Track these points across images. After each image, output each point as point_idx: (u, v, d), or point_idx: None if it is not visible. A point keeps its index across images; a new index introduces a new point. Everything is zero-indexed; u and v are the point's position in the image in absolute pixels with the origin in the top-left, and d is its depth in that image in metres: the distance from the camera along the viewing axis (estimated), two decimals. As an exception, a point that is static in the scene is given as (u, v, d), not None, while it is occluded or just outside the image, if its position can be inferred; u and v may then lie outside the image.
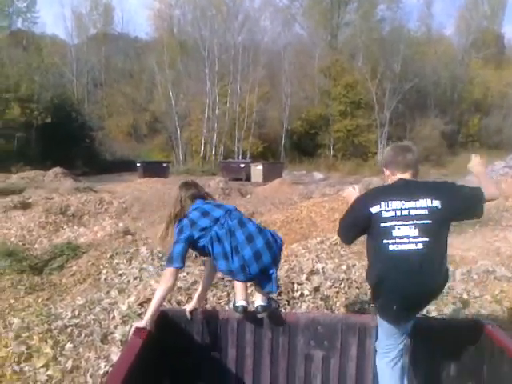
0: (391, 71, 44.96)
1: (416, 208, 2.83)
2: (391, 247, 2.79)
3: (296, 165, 39.63)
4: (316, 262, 5.75)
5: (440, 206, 2.82)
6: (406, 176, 3.02)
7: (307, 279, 5.06)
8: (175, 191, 3.66)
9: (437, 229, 2.82)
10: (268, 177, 26.00)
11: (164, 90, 42.28)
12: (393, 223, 2.82)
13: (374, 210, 2.88)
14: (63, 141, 33.82)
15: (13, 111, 33.98)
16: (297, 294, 4.93)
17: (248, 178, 27.96)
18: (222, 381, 3.38)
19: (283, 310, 4.30)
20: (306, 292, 4.81)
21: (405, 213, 2.82)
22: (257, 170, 27.84)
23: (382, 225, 2.84)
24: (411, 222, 2.79)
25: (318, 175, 32.96)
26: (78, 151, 35.28)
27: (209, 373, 3.36)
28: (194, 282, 4.84)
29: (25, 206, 11.63)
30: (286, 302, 4.77)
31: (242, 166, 29.25)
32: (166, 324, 3.27)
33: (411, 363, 3.31)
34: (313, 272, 5.24)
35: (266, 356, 3.38)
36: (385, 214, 2.85)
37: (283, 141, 43.23)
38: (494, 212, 12.26)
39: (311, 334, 3.35)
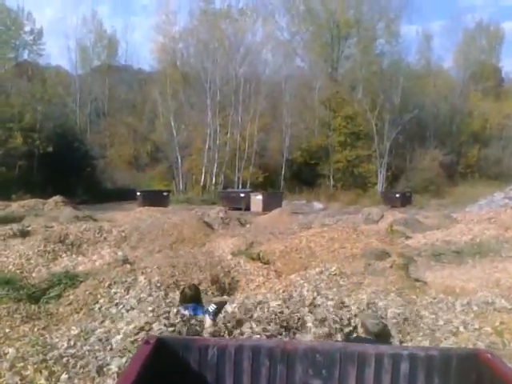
0: (391, 103, 45.57)
1: None
2: None
3: (296, 194, 39.71)
4: (316, 294, 5.75)
5: None
6: None
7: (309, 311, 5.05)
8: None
9: None
10: (268, 206, 26.02)
11: (166, 120, 42.80)
12: None
13: None
14: (65, 169, 34.05)
15: (15, 140, 34.35)
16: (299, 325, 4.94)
17: (248, 208, 27.96)
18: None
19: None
20: (309, 324, 4.80)
21: None
22: (256, 199, 27.89)
23: None
24: None
25: (317, 205, 33.00)
26: (79, 179, 35.43)
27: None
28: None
29: (24, 234, 11.63)
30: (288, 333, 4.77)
31: (242, 195, 29.30)
32: (163, 352, 3.23)
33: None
34: (314, 305, 5.23)
35: (263, 385, 3.33)
36: None
37: (283, 170, 43.45)
38: (494, 243, 12.26)
39: (309, 363, 3.30)
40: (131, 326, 4.40)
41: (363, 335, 4.24)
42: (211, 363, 3.33)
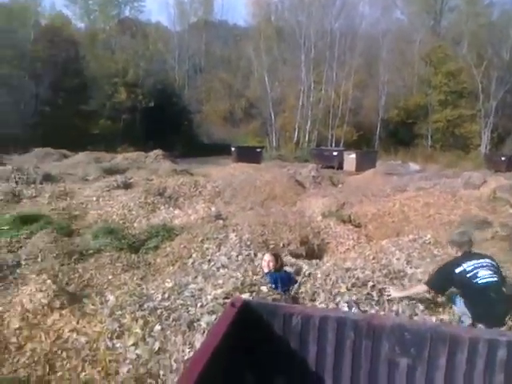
0: (499, 58, 41.67)
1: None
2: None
3: (391, 154, 38.30)
4: (408, 264, 5.55)
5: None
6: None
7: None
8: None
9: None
10: (361, 166, 25.38)
11: (260, 76, 42.65)
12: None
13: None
14: (164, 123, 35.47)
15: (120, 95, 36.22)
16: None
17: (340, 167, 27.44)
18: (301, 377, 3.34)
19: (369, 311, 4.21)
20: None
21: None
22: (350, 158, 27.27)
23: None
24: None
25: (413, 166, 31.61)
26: (177, 133, 36.83)
27: (288, 368, 3.34)
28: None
29: (127, 186, 12.35)
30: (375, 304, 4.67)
31: (335, 153, 28.76)
32: (249, 315, 3.29)
33: (507, 380, 3.07)
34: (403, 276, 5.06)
35: (347, 357, 3.28)
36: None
37: (378, 130, 41.96)
38: None
39: (397, 340, 3.19)
40: (219, 291, 4.53)
41: None
42: (295, 331, 3.34)
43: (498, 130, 43.05)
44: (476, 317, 4.37)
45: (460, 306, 4.69)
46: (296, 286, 5.16)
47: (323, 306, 4.67)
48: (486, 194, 13.91)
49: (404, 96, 43.78)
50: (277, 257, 5.47)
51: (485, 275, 4.40)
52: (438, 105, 42.68)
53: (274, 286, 5.05)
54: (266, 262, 5.44)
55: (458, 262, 4.66)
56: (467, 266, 4.52)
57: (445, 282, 4.62)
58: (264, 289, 4.66)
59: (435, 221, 10.20)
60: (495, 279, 4.45)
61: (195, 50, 51.23)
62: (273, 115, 41.12)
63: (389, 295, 4.82)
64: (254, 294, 4.62)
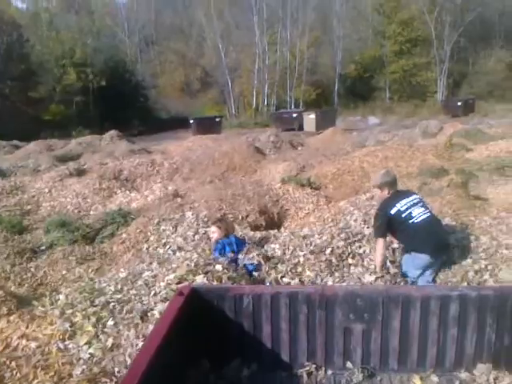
0: (451, 2, 41.72)
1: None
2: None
3: (351, 110, 38.41)
4: (365, 224, 5.52)
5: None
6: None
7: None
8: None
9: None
10: (321, 125, 25.36)
11: (213, 42, 41.70)
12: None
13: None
14: (119, 102, 34.46)
15: (69, 77, 34.75)
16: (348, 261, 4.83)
17: (301, 128, 27.36)
18: (257, 357, 3.29)
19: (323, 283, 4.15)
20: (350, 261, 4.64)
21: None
22: (309, 118, 27.16)
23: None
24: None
25: (373, 120, 31.83)
26: (133, 111, 35.85)
27: (244, 349, 3.28)
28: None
29: (80, 172, 11.95)
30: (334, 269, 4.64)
31: (295, 115, 28.59)
32: (198, 301, 3.19)
33: (461, 333, 3.09)
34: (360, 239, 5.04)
35: (302, 331, 3.24)
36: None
37: (336, 86, 41.89)
38: None
39: (350, 308, 3.17)
40: (172, 276, 4.39)
41: None
42: (247, 311, 3.27)
43: (454, 76, 43.52)
44: (422, 250, 4.43)
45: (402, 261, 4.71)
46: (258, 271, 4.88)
47: (286, 279, 4.61)
48: (443, 142, 14.07)
49: (359, 50, 43.68)
50: (219, 225, 5.26)
51: (419, 213, 4.51)
52: (393, 55, 42.77)
53: (217, 253, 4.95)
54: (211, 234, 5.36)
55: (390, 203, 4.64)
56: (400, 206, 4.54)
57: (384, 226, 4.58)
58: (219, 267, 4.53)
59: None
60: (428, 214, 4.59)
61: (145, 21, 49.48)
62: (229, 82, 40.47)
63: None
64: (209, 274, 4.48)
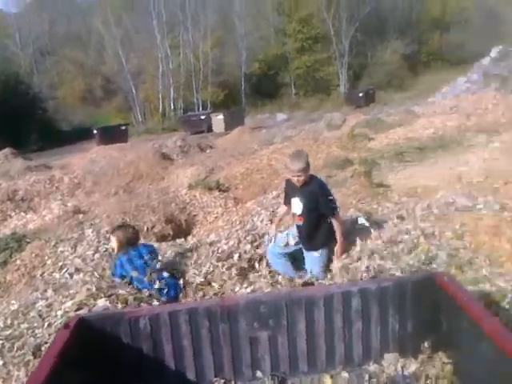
0: (347, -2, 43.55)
1: None
2: None
3: (259, 108, 38.86)
4: (271, 224, 5.42)
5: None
6: None
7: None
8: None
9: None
10: (230, 125, 25.37)
11: (113, 49, 40.37)
12: None
13: None
14: (13, 117, 32.17)
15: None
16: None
17: (210, 129, 27.22)
18: (160, 379, 3.06)
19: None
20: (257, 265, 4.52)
21: None
22: (218, 119, 27.11)
23: None
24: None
25: (281, 116, 32.37)
26: (31, 125, 33.60)
27: (145, 374, 3.03)
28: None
29: (-31, 197, 10.91)
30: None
31: (203, 117, 28.40)
32: (88, 332, 2.90)
33: (366, 327, 3.06)
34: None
35: (206, 346, 3.06)
36: None
37: (243, 85, 42.16)
38: (456, 133, 12.06)
39: (254, 316, 3.03)
40: (70, 303, 4.01)
41: None
42: (144, 334, 3.01)
43: (354, 68, 45.45)
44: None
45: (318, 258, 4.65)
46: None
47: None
48: (346, 133, 14.49)
49: (263, 48, 44.30)
50: (118, 234, 4.61)
51: None
52: (295, 52, 43.89)
53: (118, 273, 4.44)
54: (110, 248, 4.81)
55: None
56: None
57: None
58: (122, 291, 4.22)
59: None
60: None
61: (39, 32, 46.81)
62: (133, 88, 39.39)
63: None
64: (113, 297, 4.15)
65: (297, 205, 4.37)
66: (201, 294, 4.37)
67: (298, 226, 4.48)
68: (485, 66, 32.17)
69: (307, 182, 4.28)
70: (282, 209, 4.84)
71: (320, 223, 4.38)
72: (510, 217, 4.92)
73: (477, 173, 7.32)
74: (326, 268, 4.48)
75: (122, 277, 4.40)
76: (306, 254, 4.52)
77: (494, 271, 3.85)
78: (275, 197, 7.00)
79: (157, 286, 4.22)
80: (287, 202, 4.61)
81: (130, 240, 4.59)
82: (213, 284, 4.52)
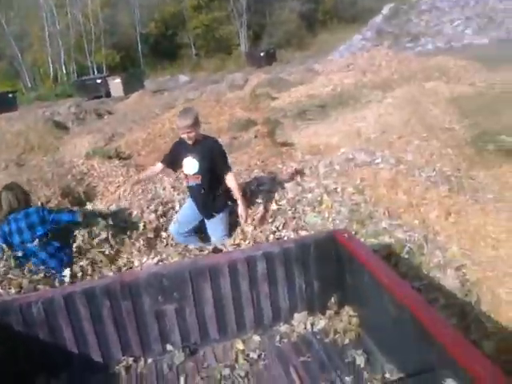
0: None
1: None
2: None
3: (159, 71, 37.56)
4: (175, 191, 5.27)
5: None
6: None
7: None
8: None
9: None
10: (129, 89, 24.31)
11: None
12: None
13: None
14: None
15: None
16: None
17: (109, 94, 25.88)
18: (65, 366, 2.87)
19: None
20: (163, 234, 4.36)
21: None
22: (115, 83, 25.81)
23: None
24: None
25: (183, 78, 31.54)
26: None
27: (47, 363, 2.82)
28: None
29: None
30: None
31: (99, 81, 26.84)
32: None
33: (273, 289, 3.06)
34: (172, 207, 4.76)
35: (109, 326, 2.90)
36: None
37: (140, 47, 40.35)
38: (353, 90, 12.43)
39: (157, 290, 2.91)
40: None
41: None
42: (39, 320, 2.77)
43: (253, 27, 45.11)
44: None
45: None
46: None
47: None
48: (249, 93, 14.42)
49: (158, 7, 42.43)
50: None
51: None
52: (192, 11, 42.53)
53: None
54: None
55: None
56: None
57: None
58: (13, 275, 3.86)
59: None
60: None
61: None
62: (18, 52, 36.17)
63: None
64: (5, 282, 3.79)
65: (190, 164, 4.19)
66: (106, 269, 4.15)
67: (191, 188, 4.32)
68: (378, 23, 33.41)
69: (200, 141, 4.16)
70: (156, 166, 4.63)
71: (217, 184, 4.27)
72: (405, 169, 5.16)
73: (373, 128, 7.61)
74: (229, 232, 4.44)
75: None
76: (206, 222, 4.42)
77: (393, 223, 4.01)
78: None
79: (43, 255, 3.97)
80: (167, 162, 4.46)
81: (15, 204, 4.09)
82: (121, 256, 4.32)
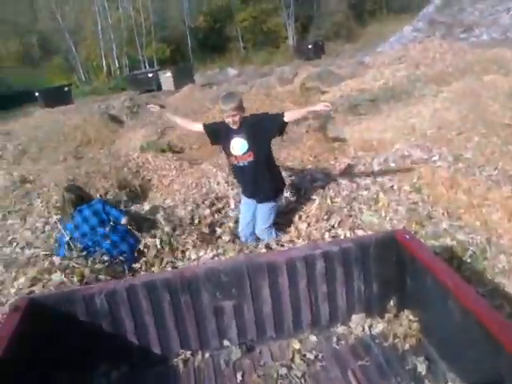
0: None
1: None
2: None
3: (208, 64, 37.83)
4: (229, 186, 5.30)
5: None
6: None
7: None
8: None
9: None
10: (179, 83, 24.52)
11: (45, 4, 37.74)
12: None
13: None
14: None
15: None
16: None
17: (160, 88, 26.30)
18: (125, 357, 2.96)
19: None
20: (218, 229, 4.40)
21: None
22: (166, 77, 26.14)
23: None
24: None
25: (231, 71, 31.63)
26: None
27: (108, 352, 2.92)
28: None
29: None
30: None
31: (150, 75, 27.27)
32: (40, 312, 2.73)
33: (331, 289, 3.03)
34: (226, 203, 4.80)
35: (169, 319, 2.97)
36: None
37: (189, 40, 40.77)
38: (406, 83, 12.12)
39: (215, 285, 2.95)
40: (23, 279, 3.79)
41: None
42: (102, 312, 2.86)
43: (301, 19, 44.70)
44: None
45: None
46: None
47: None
48: (299, 87, 14.32)
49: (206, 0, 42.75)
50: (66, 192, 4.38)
51: None
52: (240, 3, 42.57)
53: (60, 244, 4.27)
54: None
55: None
56: None
57: None
58: (77, 263, 4.01)
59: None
60: None
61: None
62: (73, 46, 37.33)
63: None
64: (68, 270, 3.95)
65: (239, 143, 4.00)
66: (165, 261, 4.24)
67: (243, 169, 4.11)
68: (429, 13, 32.35)
69: (243, 123, 3.96)
70: (196, 125, 4.52)
71: (271, 162, 4.15)
72: (465, 168, 4.99)
73: (429, 124, 7.38)
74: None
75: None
76: (258, 206, 4.25)
77: (454, 224, 3.89)
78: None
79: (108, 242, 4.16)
80: (209, 129, 4.31)
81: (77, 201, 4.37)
82: (176, 250, 4.40)
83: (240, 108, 3.91)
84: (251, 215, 4.34)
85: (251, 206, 4.32)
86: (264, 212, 4.22)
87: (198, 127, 4.38)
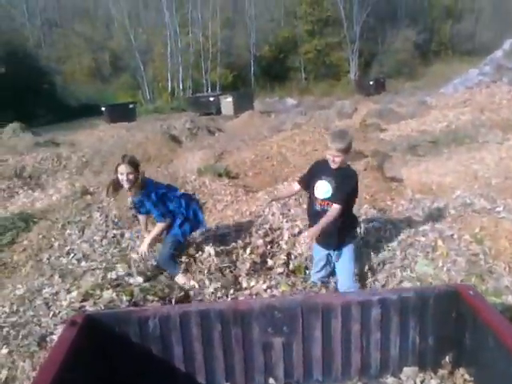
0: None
1: None
2: None
3: (268, 92, 38.45)
4: (284, 218, 5.30)
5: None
6: None
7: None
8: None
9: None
10: (239, 108, 25.07)
11: (121, 24, 39.81)
12: None
13: None
14: (21, 90, 31.84)
15: (-37, 64, 31.72)
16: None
17: (219, 112, 26.94)
18: (171, 383, 2.96)
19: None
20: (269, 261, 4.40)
21: None
22: (227, 102, 26.79)
23: None
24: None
25: (290, 101, 31.96)
26: (38, 99, 33.24)
27: (155, 376, 2.93)
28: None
29: (-25, 173, 10.77)
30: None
31: (212, 99, 28.06)
32: (95, 330, 2.79)
33: (385, 338, 2.94)
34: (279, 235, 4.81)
35: (217, 350, 2.96)
36: None
37: (252, 68, 41.66)
38: (470, 128, 11.85)
39: (268, 321, 2.92)
40: (75, 293, 3.92)
41: None
42: (154, 335, 2.90)
43: (364, 55, 44.82)
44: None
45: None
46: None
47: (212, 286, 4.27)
48: (358, 123, 14.29)
49: (273, 31, 43.70)
50: (136, 164, 4.08)
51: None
52: (306, 35, 43.27)
53: (141, 210, 4.51)
54: (124, 178, 4.01)
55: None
56: None
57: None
58: (132, 280, 4.11)
59: (312, 158, 10.14)
60: None
61: (47, 2, 46.14)
62: (142, 66, 38.97)
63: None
64: (119, 288, 4.05)
65: (324, 187, 3.68)
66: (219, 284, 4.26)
67: (317, 213, 3.76)
68: (498, 58, 31.64)
69: (341, 168, 3.66)
70: (293, 187, 4.21)
71: (346, 215, 3.76)
72: (532, 223, 4.78)
73: (494, 172, 7.16)
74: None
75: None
76: (333, 256, 3.93)
77: (517, 281, 3.73)
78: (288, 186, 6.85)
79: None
80: (305, 183, 3.94)
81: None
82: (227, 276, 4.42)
83: (347, 151, 3.62)
84: (324, 260, 4.07)
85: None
86: (341, 258, 3.90)
87: (297, 187, 4.10)
